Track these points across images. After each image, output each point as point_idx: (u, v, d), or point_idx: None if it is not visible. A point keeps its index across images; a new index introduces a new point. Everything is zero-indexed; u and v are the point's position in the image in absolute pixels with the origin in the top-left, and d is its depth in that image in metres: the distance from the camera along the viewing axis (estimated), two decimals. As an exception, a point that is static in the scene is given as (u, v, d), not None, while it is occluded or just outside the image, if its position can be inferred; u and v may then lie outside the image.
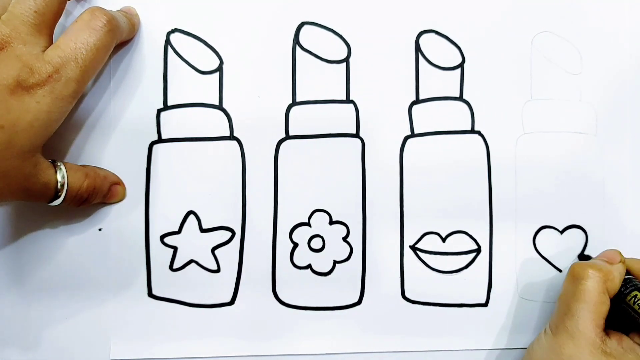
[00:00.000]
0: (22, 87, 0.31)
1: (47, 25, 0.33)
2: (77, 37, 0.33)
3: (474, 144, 0.40)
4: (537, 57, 0.40)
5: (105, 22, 0.33)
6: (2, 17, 0.32)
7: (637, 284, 0.36)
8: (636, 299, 0.35)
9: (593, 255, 0.40)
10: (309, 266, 0.40)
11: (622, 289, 0.36)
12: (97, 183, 0.36)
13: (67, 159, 0.38)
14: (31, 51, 0.32)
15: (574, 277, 0.36)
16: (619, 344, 0.34)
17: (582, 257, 0.40)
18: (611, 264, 0.36)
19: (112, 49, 0.35)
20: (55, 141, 0.37)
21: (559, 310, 0.36)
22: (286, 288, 0.40)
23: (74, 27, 0.33)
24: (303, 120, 0.39)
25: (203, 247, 0.39)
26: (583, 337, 0.34)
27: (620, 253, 0.38)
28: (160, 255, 0.39)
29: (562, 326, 0.35)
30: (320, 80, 0.40)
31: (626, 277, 0.37)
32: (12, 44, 0.31)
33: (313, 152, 0.40)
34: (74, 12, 0.38)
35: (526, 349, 0.38)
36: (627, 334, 0.35)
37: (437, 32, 0.40)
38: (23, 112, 0.31)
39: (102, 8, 0.34)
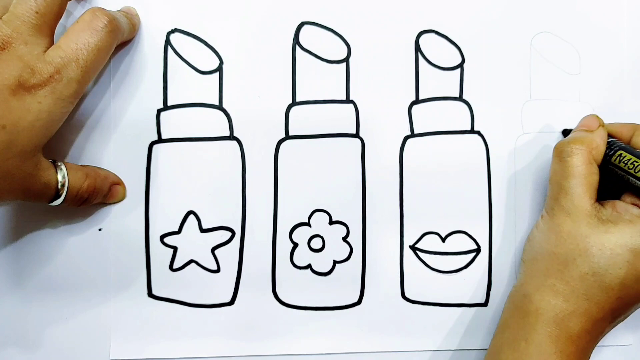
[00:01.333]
0: (23, 87, 0.31)
1: (48, 26, 0.33)
2: (78, 38, 0.33)
3: (474, 144, 0.40)
4: (536, 57, 0.40)
5: (106, 22, 0.34)
6: (4, 17, 0.32)
7: (620, 144, 0.36)
8: (622, 158, 0.35)
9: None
10: (308, 266, 0.40)
11: (607, 152, 0.36)
12: (97, 183, 0.36)
13: (68, 159, 0.38)
14: (32, 51, 0.32)
15: (559, 156, 0.36)
16: (613, 209, 0.35)
17: (565, 132, 0.40)
18: (591, 131, 0.37)
19: (112, 49, 0.35)
20: (56, 141, 0.38)
21: (552, 192, 0.36)
22: (286, 288, 0.40)
23: (75, 27, 0.33)
24: (303, 120, 0.40)
25: (203, 247, 0.39)
26: (579, 211, 0.35)
27: (599, 117, 0.38)
28: (160, 255, 0.39)
29: (557, 206, 0.35)
30: (320, 80, 0.40)
31: (609, 140, 0.37)
32: (13, 45, 0.31)
33: (313, 152, 0.40)
34: (74, 13, 0.38)
35: (525, 242, 0.38)
36: (618, 199, 0.36)
37: (436, 32, 0.40)
38: (24, 112, 0.31)
39: (103, 9, 0.34)
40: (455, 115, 0.40)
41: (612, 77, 0.41)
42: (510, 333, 0.35)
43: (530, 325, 0.34)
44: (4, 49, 0.31)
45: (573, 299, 0.34)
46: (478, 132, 0.40)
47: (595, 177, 0.35)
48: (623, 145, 0.36)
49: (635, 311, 0.36)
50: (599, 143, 0.36)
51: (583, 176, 0.35)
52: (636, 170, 0.34)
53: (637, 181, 0.34)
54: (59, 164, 0.34)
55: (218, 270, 0.39)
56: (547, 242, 0.36)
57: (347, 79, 0.40)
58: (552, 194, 0.36)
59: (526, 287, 0.36)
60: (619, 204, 0.35)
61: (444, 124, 0.40)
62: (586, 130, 0.37)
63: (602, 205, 0.35)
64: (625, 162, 0.35)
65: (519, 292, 0.37)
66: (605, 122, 0.38)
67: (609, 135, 0.37)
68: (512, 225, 0.40)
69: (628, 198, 0.36)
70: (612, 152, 0.36)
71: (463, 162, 0.40)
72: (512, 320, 0.36)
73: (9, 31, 0.31)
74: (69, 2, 0.35)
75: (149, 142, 0.39)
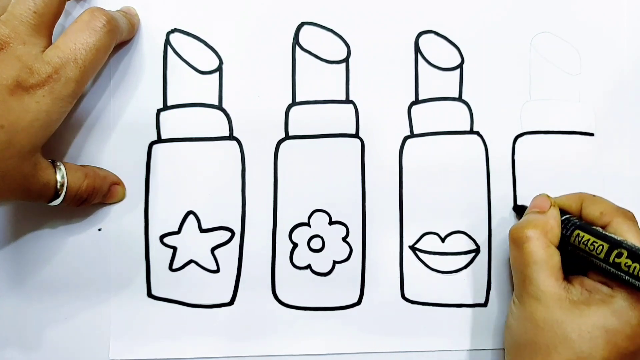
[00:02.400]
0: (21, 87, 0.31)
1: (46, 26, 0.33)
2: (76, 38, 0.33)
3: (473, 144, 0.40)
4: (536, 57, 0.40)
5: (104, 22, 0.33)
6: (2, 17, 0.32)
7: (575, 222, 0.36)
8: (579, 238, 0.35)
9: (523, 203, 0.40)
10: (308, 266, 0.40)
11: (564, 232, 0.36)
12: (96, 183, 0.36)
13: (67, 158, 0.38)
14: (30, 51, 0.32)
15: (515, 244, 0.36)
16: (582, 287, 0.34)
17: (517, 208, 0.40)
18: (544, 212, 0.36)
19: (111, 49, 0.35)
20: (55, 141, 0.37)
21: (517, 279, 0.36)
22: (286, 288, 0.40)
23: (74, 27, 0.33)
24: (303, 120, 0.40)
25: (202, 247, 0.39)
26: (548, 297, 0.34)
27: (549, 196, 0.37)
28: (160, 255, 0.39)
29: (525, 293, 0.35)
30: (319, 81, 0.40)
31: (563, 218, 0.36)
32: (11, 45, 0.31)
33: (313, 152, 0.40)
34: (73, 13, 0.38)
35: (504, 329, 0.38)
36: (585, 273, 0.35)
37: (436, 33, 0.40)
38: (23, 112, 0.31)
39: (102, 8, 0.34)
40: (454, 116, 0.40)
41: (613, 78, 0.41)
42: None
43: None
44: (2, 49, 0.31)
45: None
46: (477, 133, 0.40)
47: (556, 259, 0.35)
48: (578, 222, 0.36)
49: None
50: (553, 225, 0.35)
51: (543, 261, 0.34)
52: (598, 252, 0.33)
53: (601, 263, 0.33)
54: (58, 163, 0.34)
55: (218, 271, 0.39)
56: (524, 331, 0.35)
57: (347, 79, 0.40)
58: (518, 282, 0.36)
59: None
60: (587, 281, 0.35)
61: (444, 124, 0.40)
62: (538, 212, 0.36)
63: (570, 283, 0.35)
64: (585, 243, 0.34)
65: None
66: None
67: (562, 212, 0.37)
68: (511, 225, 0.40)
69: (594, 276, 0.35)
70: (569, 232, 0.35)
71: (462, 163, 0.40)
72: None
73: (7, 31, 0.31)
74: (67, 2, 0.35)
75: (149, 142, 0.39)
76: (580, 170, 0.41)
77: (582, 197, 0.37)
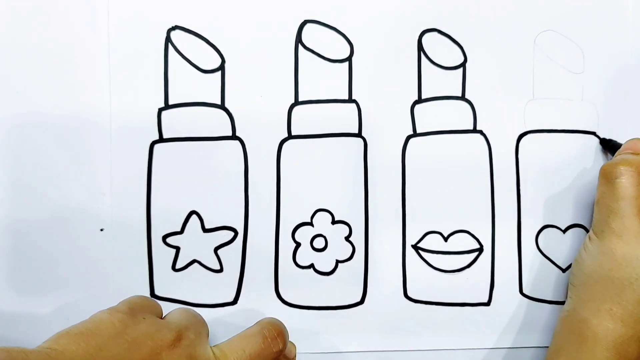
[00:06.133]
0: None
1: None
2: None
3: (476, 143, 0.40)
4: (539, 55, 0.40)
5: (279, 349, 0.35)
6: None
7: None
8: None
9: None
10: (311, 266, 0.40)
11: None
12: None
13: (66, 158, 0.38)
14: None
15: (606, 178, 0.35)
16: None
17: (603, 141, 0.40)
18: (637, 153, 0.36)
19: None
20: (56, 143, 0.37)
21: (601, 214, 0.36)
22: (289, 288, 0.40)
23: (249, 340, 0.35)
24: (305, 119, 0.39)
25: (206, 247, 0.39)
26: (631, 233, 0.34)
27: None
28: (163, 255, 0.39)
29: (607, 228, 0.35)
30: (322, 80, 0.39)
31: None
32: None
33: (315, 151, 0.39)
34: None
35: (572, 264, 0.37)
36: None
37: (439, 31, 0.40)
38: None
39: (283, 332, 0.35)
40: (457, 115, 0.40)
41: (616, 76, 0.40)
42: (565, 359, 0.35)
43: (589, 351, 0.33)
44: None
45: (632, 323, 0.33)
46: (480, 132, 0.40)
47: None
48: None
49: None
50: None
51: (633, 197, 0.34)
52: None
53: None
54: None
55: (221, 270, 0.39)
56: (599, 266, 0.35)
57: (350, 78, 0.39)
58: (601, 217, 0.36)
59: (581, 312, 0.35)
60: None
61: (446, 123, 0.40)
62: (632, 153, 0.36)
63: None
64: None
65: (573, 318, 0.36)
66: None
67: None
68: (515, 224, 0.40)
69: None
70: None
71: (465, 162, 0.40)
72: (568, 346, 0.35)
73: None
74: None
75: (150, 141, 0.39)
76: (582, 169, 0.41)
77: None
